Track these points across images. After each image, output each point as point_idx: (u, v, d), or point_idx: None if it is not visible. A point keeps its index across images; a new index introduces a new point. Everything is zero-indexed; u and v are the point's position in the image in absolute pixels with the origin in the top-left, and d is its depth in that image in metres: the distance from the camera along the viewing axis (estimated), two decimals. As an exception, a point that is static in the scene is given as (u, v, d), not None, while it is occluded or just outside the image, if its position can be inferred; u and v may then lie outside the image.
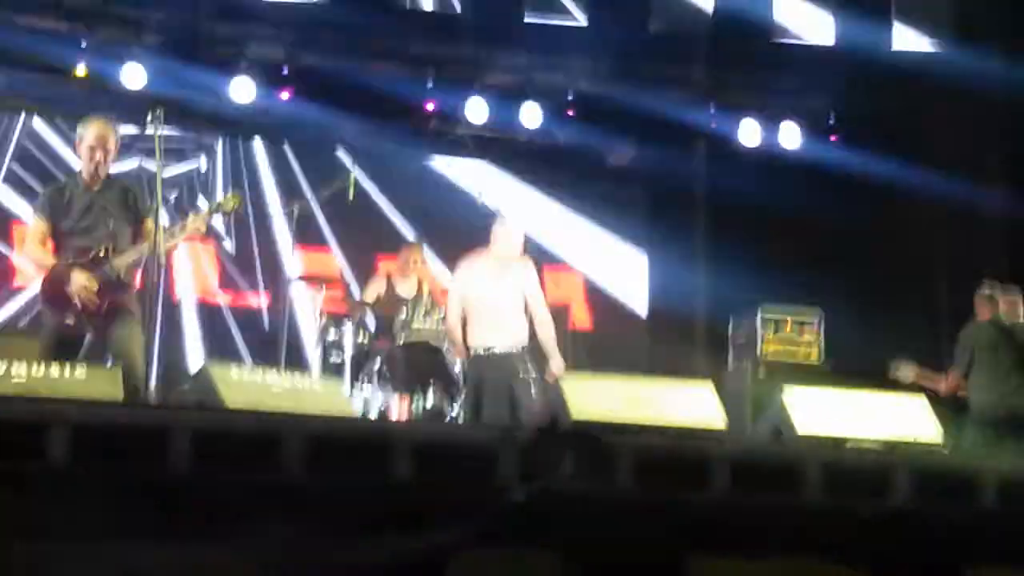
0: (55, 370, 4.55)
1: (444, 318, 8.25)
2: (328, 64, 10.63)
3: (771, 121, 11.66)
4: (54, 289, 6.50)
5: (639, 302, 12.54)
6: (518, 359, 7.74)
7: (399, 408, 8.42)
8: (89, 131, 6.66)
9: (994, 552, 4.54)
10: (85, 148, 6.64)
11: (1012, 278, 9.08)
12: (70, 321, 6.49)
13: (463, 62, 11.08)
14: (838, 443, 4.92)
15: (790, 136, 11.66)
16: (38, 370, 4.49)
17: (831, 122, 11.70)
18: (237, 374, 4.78)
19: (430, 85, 11.00)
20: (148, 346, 6.64)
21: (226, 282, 11.04)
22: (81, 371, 4.62)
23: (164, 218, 6.63)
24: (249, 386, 4.71)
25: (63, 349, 6.37)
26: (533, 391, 7.69)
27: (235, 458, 4.11)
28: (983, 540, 4.58)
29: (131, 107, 9.56)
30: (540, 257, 8.89)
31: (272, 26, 10.60)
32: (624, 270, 12.52)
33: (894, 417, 5.19)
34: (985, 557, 4.51)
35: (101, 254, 6.56)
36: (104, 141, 6.63)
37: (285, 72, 10.63)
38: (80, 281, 6.48)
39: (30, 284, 10.06)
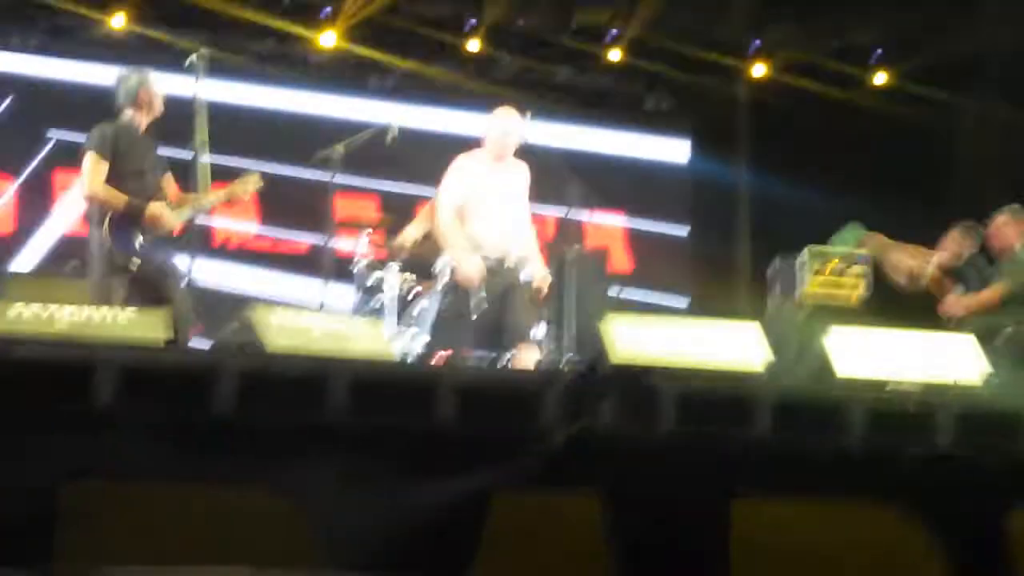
0: (101, 312, 4.59)
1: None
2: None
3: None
4: (125, 227, 6.64)
5: (681, 244, 12.53)
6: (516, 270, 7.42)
7: (440, 351, 8.44)
8: (153, 81, 6.88)
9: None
10: (150, 95, 6.83)
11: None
12: (133, 267, 6.63)
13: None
14: (878, 385, 4.91)
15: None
16: (83, 312, 4.53)
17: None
18: (279, 316, 4.80)
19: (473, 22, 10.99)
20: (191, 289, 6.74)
21: (266, 226, 11.09)
22: (126, 314, 4.66)
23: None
24: (291, 329, 4.74)
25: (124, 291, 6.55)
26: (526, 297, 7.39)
27: (279, 400, 4.17)
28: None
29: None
30: (582, 200, 8.75)
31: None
32: (665, 211, 12.50)
33: (938, 357, 5.17)
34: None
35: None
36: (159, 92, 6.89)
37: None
38: (165, 215, 6.71)
39: (71, 227, 10.14)
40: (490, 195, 7.39)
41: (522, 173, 7.50)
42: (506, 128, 7.40)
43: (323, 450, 4.03)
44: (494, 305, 7.24)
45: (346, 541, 3.96)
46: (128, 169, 6.73)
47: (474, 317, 7.26)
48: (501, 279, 7.31)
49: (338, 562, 3.90)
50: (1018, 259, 8.46)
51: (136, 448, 3.88)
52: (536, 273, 7.44)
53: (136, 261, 6.63)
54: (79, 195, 6.96)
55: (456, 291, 7.41)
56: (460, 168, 7.49)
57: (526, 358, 7.07)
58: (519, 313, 7.25)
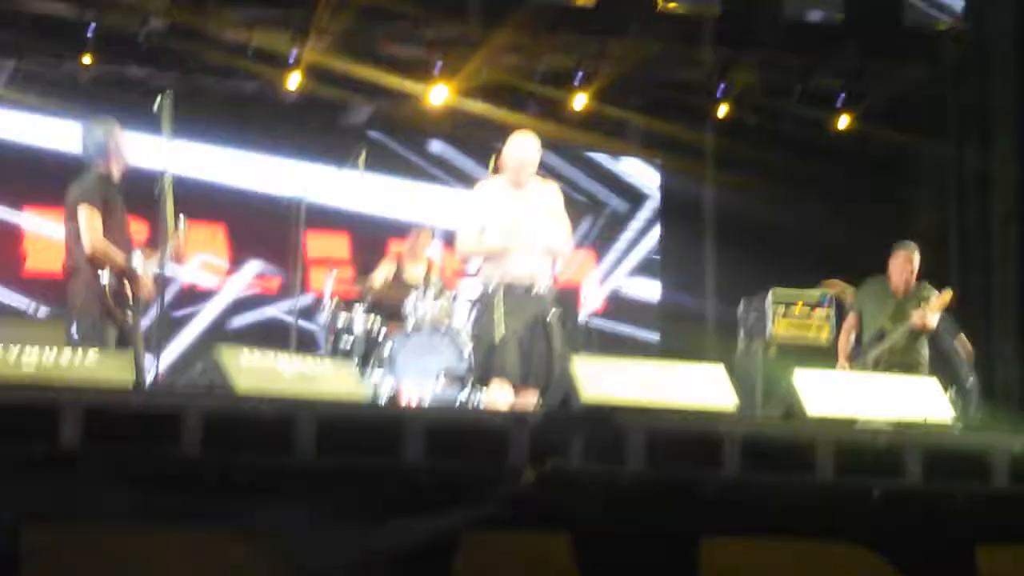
0: (67, 355, 4.57)
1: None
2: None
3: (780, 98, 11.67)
4: (119, 282, 6.67)
5: (651, 287, 12.60)
6: (547, 299, 7.07)
7: (408, 393, 8.43)
8: (118, 130, 6.85)
9: (1005, 532, 4.55)
10: (117, 144, 6.81)
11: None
12: (129, 319, 6.69)
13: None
14: (848, 424, 4.93)
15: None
16: (50, 355, 4.51)
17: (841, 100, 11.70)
18: (248, 358, 4.79)
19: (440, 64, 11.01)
20: (159, 332, 6.72)
21: (235, 266, 11.08)
22: (93, 356, 4.64)
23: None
24: (260, 370, 4.73)
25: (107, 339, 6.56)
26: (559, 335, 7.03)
27: (247, 441, 4.14)
28: (994, 520, 4.59)
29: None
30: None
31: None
32: (635, 253, 12.57)
33: (905, 398, 5.20)
34: (996, 537, 4.52)
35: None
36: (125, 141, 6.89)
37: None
38: (149, 282, 6.76)
39: (43, 270, 10.10)
40: (512, 221, 7.03)
41: (547, 195, 7.19)
42: (522, 155, 7.12)
43: (291, 491, 4.00)
44: (525, 335, 6.87)
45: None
46: (112, 222, 6.70)
47: (498, 342, 6.84)
48: (531, 308, 6.96)
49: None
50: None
51: (101, 490, 3.84)
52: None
53: (130, 314, 6.67)
54: (77, 247, 6.75)
55: (483, 317, 7.02)
56: (480, 194, 7.24)
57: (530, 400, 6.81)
58: (550, 350, 6.92)
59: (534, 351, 6.84)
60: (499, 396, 6.69)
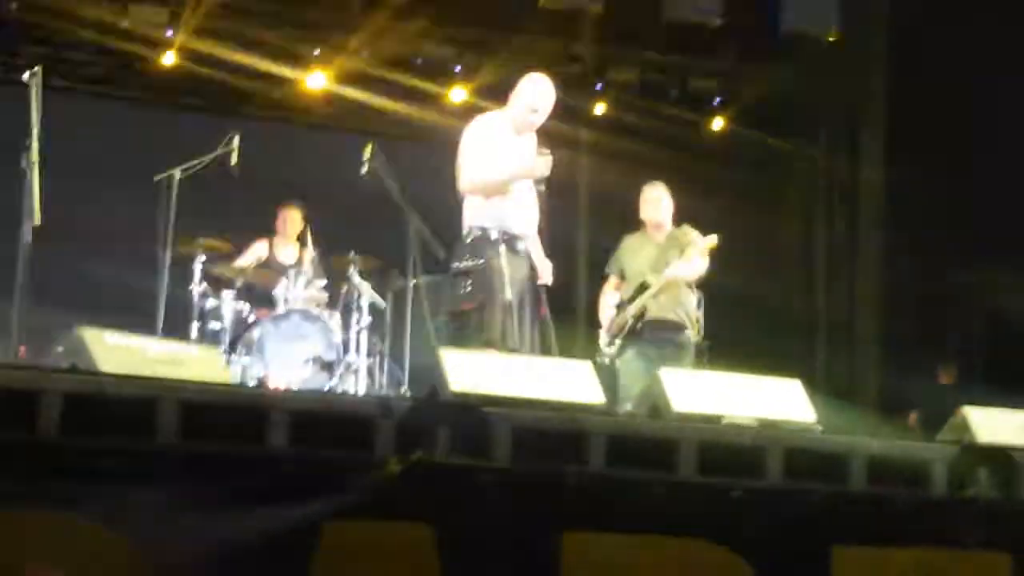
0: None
1: None
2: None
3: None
4: None
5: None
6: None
7: (276, 380, 8.33)
8: None
9: (861, 532, 4.63)
10: None
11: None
12: None
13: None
14: (713, 420, 4.97)
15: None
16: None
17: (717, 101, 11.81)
18: (112, 338, 4.68)
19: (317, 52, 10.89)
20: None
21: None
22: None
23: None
24: (124, 351, 4.62)
25: None
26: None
27: (107, 423, 4.06)
28: (851, 520, 4.67)
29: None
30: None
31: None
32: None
33: (769, 398, 5.25)
34: (852, 537, 4.59)
35: None
36: None
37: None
38: None
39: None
40: (519, 159, 6.53)
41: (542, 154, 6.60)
42: (535, 99, 6.59)
43: (152, 476, 3.93)
44: (515, 300, 6.39)
45: (173, 569, 3.86)
46: None
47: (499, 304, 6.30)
48: (523, 268, 6.53)
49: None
50: None
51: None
52: (544, 268, 6.71)
53: None
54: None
55: (479, 270, 6.43)
56: (482, 132, 6.61)
57: None
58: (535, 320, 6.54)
59: (524, 320, 6.45)
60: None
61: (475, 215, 6.49)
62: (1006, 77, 10.04)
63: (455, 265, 6.51)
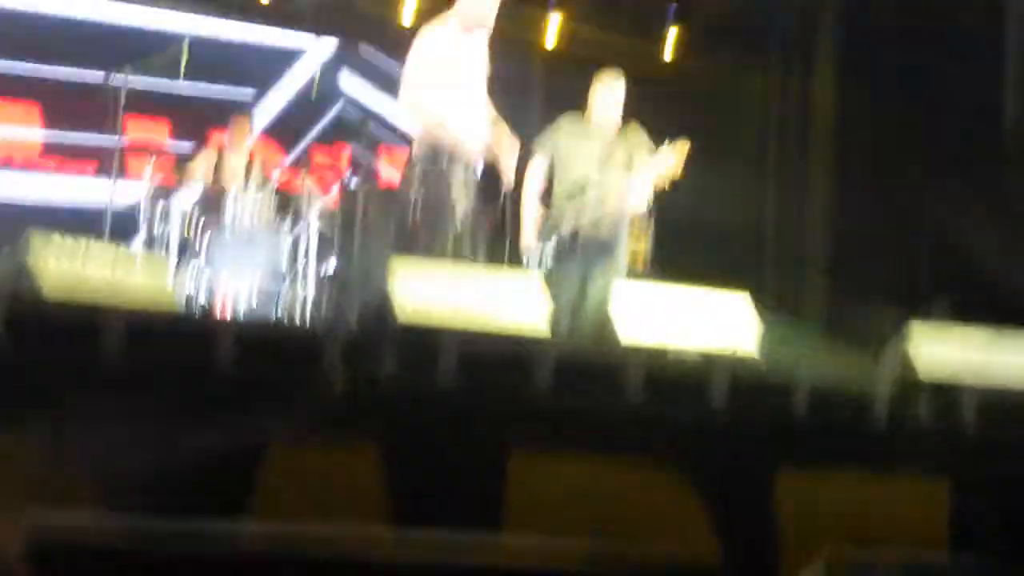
0: None
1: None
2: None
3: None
4: None
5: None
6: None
7: (226, 288, 8.28)
8: None
9: (802, 455, 4.68)
10: None
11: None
12: None
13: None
14: (658, 353, 4.99)
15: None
16: None
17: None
18: (59, 246, 4.61)
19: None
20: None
21: (49, 148, 10.67)
22: None
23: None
24: (69, 266, 4.57)
25: None
26: None
27: (50, 341, 4.04)
28: (791, 444, 4.72)
29: None
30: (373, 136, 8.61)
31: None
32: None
33: (714, 317, 5.26)
34: (793, 459, 4.64)
35: None
36: None
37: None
38: None
39: None
40: (458, 73, 6.31)
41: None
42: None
43: (95, 397, 3.92)
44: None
45: (121, 485, 3.86)
46: None
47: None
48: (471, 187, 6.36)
49: (113, 505, 3.79)
50: None
51: None
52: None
53: None
54: None
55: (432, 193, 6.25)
56: (426, 41, 6.35)
57: None
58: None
59: (477, 235, 6.37)
60: None
61: (416, 127, 6.37)
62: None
63: (404, 193, 6.35)
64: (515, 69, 11.19)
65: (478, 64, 6.38)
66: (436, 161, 6.22)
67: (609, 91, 6.92)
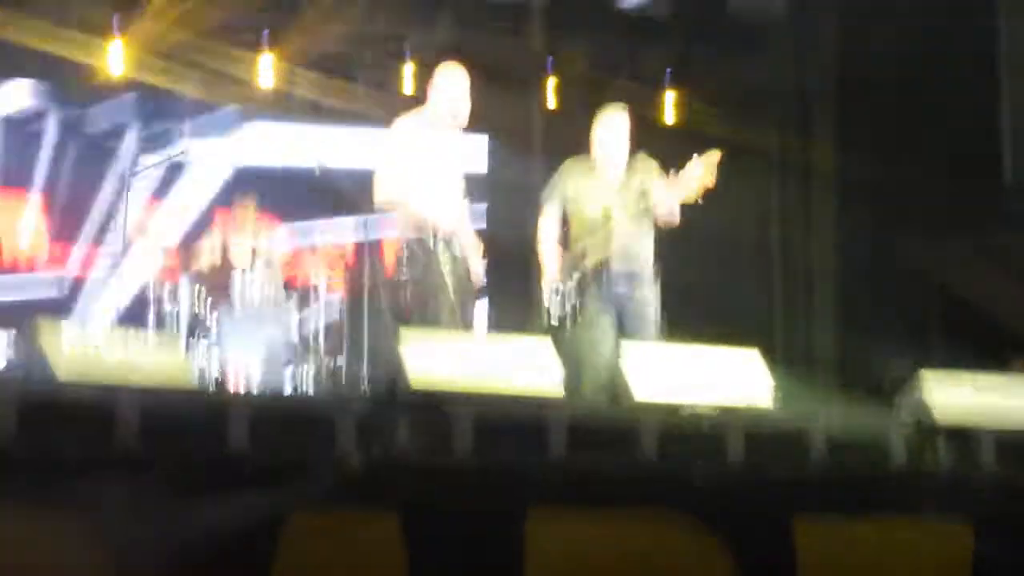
0: None
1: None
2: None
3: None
4: None
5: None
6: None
7: (236, 368, 8.31)
8: None
9: (821, 502, 4.67)
10: None
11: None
12: None
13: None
14: (672, 409, 4.97)
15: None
16: None
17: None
18: (68, 335, 4.62)
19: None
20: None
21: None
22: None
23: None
24: (81, 350, 4.58)
25: None
26: None
27: (66, 426, 4.05)
28: (810, 492, 4.71)
29: None
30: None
31: None
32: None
33: (728, 373, 5.25)
34: (812, 507, 4.63)
35: None
36: None
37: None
38: None
39: None
40: (433, 167, 6.44)
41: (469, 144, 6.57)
42: (455, 91, 6.49)
43: (113, 477, 3.92)
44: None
45: (141, 565, 3.85)
46: None
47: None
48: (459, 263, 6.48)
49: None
50: None
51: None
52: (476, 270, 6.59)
53: None
54: None
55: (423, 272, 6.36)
56: (402, 134, 6.52)
57: None
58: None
59: (467, 306, 6.48)
60: None
61: (403, 220, 6.46)
62: (952, 55, 10.14)
63: (396, 278, 6.49)
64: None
65: (451, 157, 6.52)
66: (422, 243, 6.34)
67: (611, 126, 6.82)
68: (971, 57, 10.33)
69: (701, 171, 6.50)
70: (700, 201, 6.57)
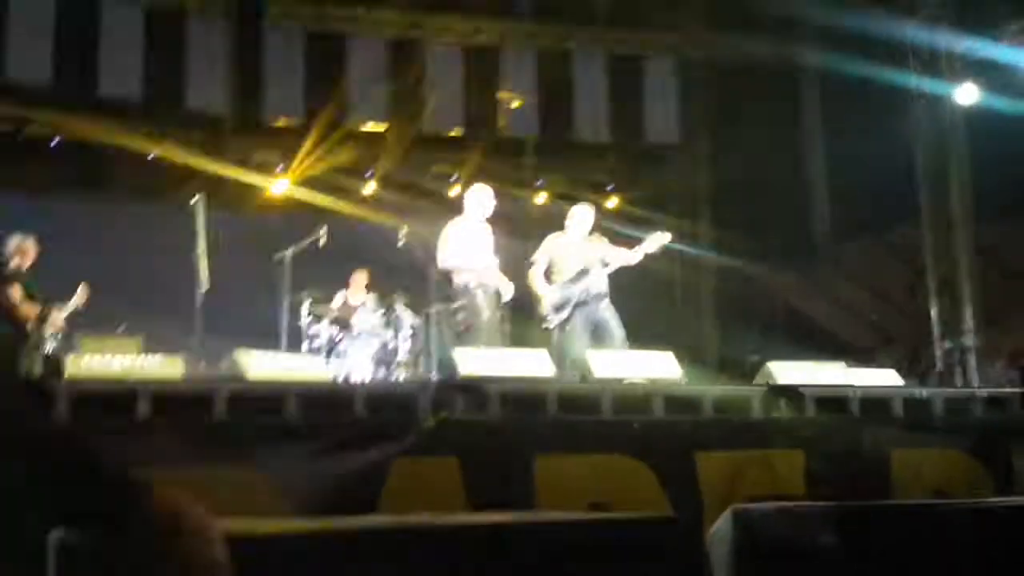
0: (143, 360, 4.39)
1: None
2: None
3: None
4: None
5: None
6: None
7: (356, 373, 8.34)
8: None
9: (714, 440, 4.61)
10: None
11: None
12: None
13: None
14: (619, 381, 4.97)
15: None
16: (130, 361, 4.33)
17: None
18: (258, 355, 4.66)
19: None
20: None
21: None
22: (155, 360, 4.46)
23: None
24: (264, 364, 4.60)
25: None
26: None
27: (250, 408, 4.07)
28: (706, 435, 4.65)
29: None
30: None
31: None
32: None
33: (654, 364, 5.24)
34: (708, 445, 4.57)
35: None
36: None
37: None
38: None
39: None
40: (476, 242, 6.49)
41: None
42: (483, 203, 6.57)
43: (285, 440, 3.91)
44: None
45: (298, 497, 3.81)
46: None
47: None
48: (494, 302, 6.56)
49: (295, 510, 3.75)
50: None
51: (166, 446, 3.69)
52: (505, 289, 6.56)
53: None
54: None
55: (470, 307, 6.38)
56: (450, 233, 6.53)
57: None
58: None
59: (494, 326, 6.51)
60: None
61: (458, 276, 6.51)
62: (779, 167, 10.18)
63: (452, 306, 6.57)
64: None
65: (486, 237, 6.57)
66: (470, 289, 6.41)
67: (583, 215, 6.80)
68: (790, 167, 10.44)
69: (655, 246, 6.59)
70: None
